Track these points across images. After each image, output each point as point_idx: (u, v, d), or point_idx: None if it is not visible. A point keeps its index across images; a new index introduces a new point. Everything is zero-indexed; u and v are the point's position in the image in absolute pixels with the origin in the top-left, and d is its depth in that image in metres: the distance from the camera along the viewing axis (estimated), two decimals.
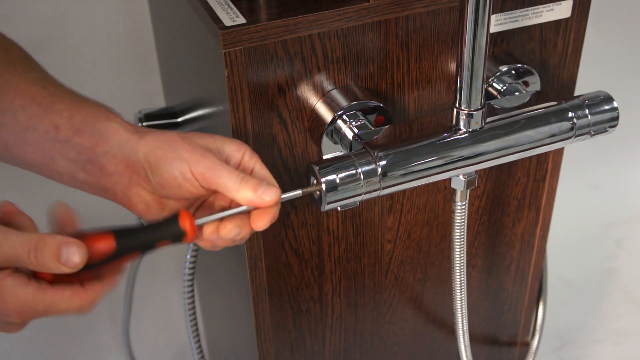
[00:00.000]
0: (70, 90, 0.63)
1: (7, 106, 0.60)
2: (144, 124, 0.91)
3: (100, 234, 0.55)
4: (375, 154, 0.63)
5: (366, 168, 0.61)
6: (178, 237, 0.58)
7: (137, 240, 0.57)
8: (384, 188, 0.63)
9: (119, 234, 0.56)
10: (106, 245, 0.55)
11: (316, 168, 0.61)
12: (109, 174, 0.60)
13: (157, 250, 0.58)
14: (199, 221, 0.59)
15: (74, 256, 0.53)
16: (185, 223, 0.58)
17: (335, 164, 0.61)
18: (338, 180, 0.60)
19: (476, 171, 0.69)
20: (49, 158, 0.60)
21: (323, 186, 0.60)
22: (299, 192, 0.61)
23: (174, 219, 0.58)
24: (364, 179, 0.61)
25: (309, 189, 0.62)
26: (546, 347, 1.46)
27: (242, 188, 0.58)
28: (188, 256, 0.93)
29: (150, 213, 0.62)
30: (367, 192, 0.62)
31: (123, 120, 0.62)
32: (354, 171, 0.61)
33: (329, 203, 0.61)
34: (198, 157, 0.59)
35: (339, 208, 0.62)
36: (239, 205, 0.59)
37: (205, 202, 0.63)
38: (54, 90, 0.62)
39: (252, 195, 0.58)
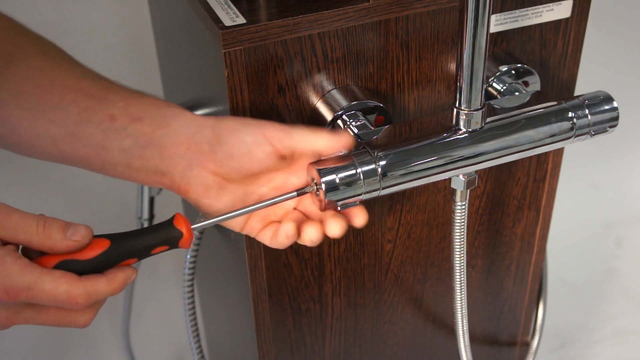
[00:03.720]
0: (121, 84, 0.63)
1: (57, 102, 0.60)
2: None
3: (96, 240, 0.55)
4: (375, 154, 0.63)
5: (366, 168, 0.61)
6: (174, 240, 0.57)
7: (133, 245, 0.56)
8: (384, 188, 0.63)
9: (115, 239, 0.56)
10: (102, 249, 0.55)
11: (315, 168, 0.61)
12: (169, 156, 0.60)
13: (154, 255, 0.58)
14: (195, 225, 0.58)
15: (80, 230, 0.53)
16: (181, 226, 0.57)
17: (335, 164, 0.61)
18: (337, 180, 0.60)
19: (476, 171, 0.69)
20: (102, 149, 0.60)
21: (323, 186, 0.60)
22: (294, 193, 0.61)
23: (169, 222, 0.57)
24: (364, 178, 0.61)
25: (306, 190, 0.62)
26: (546, 347, 1.46)
27: (317, 133, 0.60)
28: (188, 256, 0.93)
29: (209, 196, 0.61)
30: (367, 192, 0.62)
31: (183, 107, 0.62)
32: (353, 171, 0.61)
33: (334, 202, 0.61)
34: (266, 123, 0.60)
35: (339, 208, 0.62)
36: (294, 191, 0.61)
37: (258, 194, 0.63)
38: (105, 83, 0.62)
39: (328, 137, 0.60)
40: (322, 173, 0.60)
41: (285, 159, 0.62)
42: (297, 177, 0.63)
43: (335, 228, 0.62)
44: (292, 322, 0.83)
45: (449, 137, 0.65)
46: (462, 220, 0.74)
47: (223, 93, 0.66)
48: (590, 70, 1.14)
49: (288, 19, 0.64)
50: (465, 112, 0.65)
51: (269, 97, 0.67)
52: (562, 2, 0.74)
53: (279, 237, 0.62)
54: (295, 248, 0.78)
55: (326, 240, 0.78)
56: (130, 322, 1.26)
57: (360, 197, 0.62)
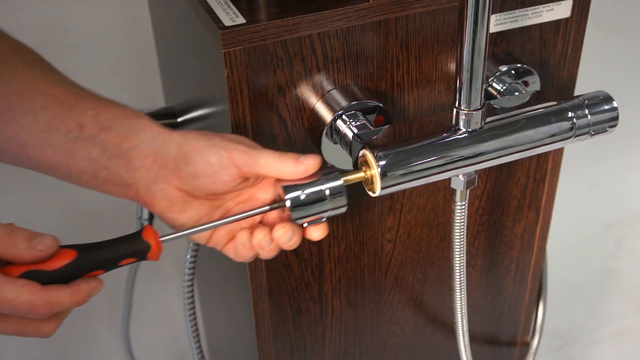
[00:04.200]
0: (93, 92, 0.63)
1: (28, 107, 0.59)
2: None
3: (62, 251, 0.54)
4: (375, 154, 0.63)
5: (333, 184, 0.60)
6: (143, 253, 0.57)
7: (100, 256, 0.56)
8: (382, 188, 0.63)
9: (82, 250, 0.55)
10: (68, 260, 0.54)
11: (281, 185, 0.60)
12: (134, 169, 0.60)
13: (121, 267, 0.57)
14: (163, 237, 0.58)
15: (46, 240, 0.53)
16: (149, 238, 0.57)
17: (301, 181, 0.60)
18: (303, 197, 0.60)
19: (476, 171, 0.69)
20: (69, 157, 0.59)
21: (288, 203, 0.59)
22: (266, 207, 0.61)
23: (137, 234, 0.57)
24: (330, 195, 0.60)
25: (274, 205, 0.61)
26: (546, 347, 1.46)
27: (283, 160, 0.59)
28: (188, 256, 0.93)
29: (173, 210, 0.61)
30: (333, 209, 0.61)
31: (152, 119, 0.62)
32: (319, 188, 0.60)
33: (298, 219, 0.61)
34: (233, 144, 0.60)
35: (304, 224, 0.62)
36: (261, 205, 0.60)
37: (224, 208, 0.63)
38: (77, 90, 0.62)
39: (294, 162, 0.59)
40: (287, 190, 0.60)
41: (250, 180, 0.61)
42: (265, 191, 0.63)
43: (285, 237, 0.61)
44: (292, 322, 0.83)
45: (448, 137, 0.65)
46: (462, 220, 0.74)
47: (223, 93, 0.66)
48: (590, 70, 1.14)
49: (288, 19, 0.64)
50: (465, 112, 0.65)
51: (268, 97, 0.67)
52: (562, 2, 0.74)
53: (237, 248, 0.62)
54: (295, 248, 0.78)
55: (326, 240, 0.78)
56: (130, 322, 1.26)
57: (327, 214, 0.61)
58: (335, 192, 0.61)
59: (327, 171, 0.61)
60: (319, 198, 0.60)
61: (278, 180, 0.61)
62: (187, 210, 0.61)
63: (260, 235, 0.61)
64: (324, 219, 0.62)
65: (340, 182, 0.61)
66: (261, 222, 0.64)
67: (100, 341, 1.46)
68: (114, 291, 1.37)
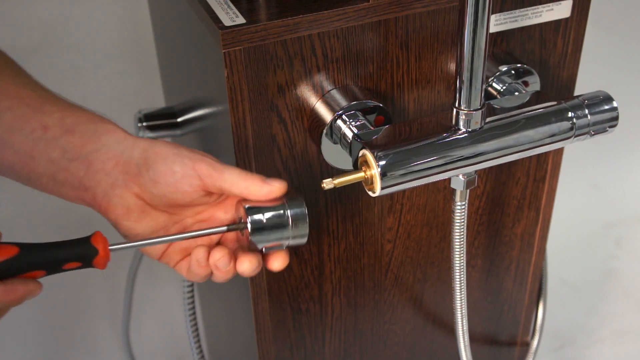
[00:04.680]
0: (60, 96, 0.62)
1: None
2: (144, 124, 0.91)
3: (3, 246, 0.53)
4: (375, 154, 0.63)
5: (295, 211, 0.59)
6: (89, 258, 0.55)
7: (43, 256, 0.54)
8: (382, 188, 0.63)
9: (25, 248, 0.53)
10: (7, 256, 0.52)
11: (244, 205, 0.59)
12: (94, 172, 0.59)
13: (65, 271, 0.55)
14: (114, 246, 0.56)
15: None
16: (98, 244, 0.55)
17: (265, 204, 0.59)
18: (264, 221, 0.59)
19: (476, 171, 0.69)
20: (29, 158, 0.59)
21: (249, 226, 0.58)
22: (224, 228, 0.60)
23: (86, 239, 0.55)
24: (292, 222, 0.59)
25: (233, 226, 0.60)
26: (546, 347, 1.46)
27: (249, 178, 0.58)
28: None
29: (129, 218, 0.60)
30: (295, 237, 0.60)
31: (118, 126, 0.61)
32: (281, 211, 0.59)
33: (258, 243, 0.59)
34: (200, 155, 0.59)
35: (263, 250, 0.60)
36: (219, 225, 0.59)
37: (182, 224, 0.62)
38: (44, 94, 0.61)
39: (260, 182, 0.58)
40: (249, 211, 0.59)
41: (212, 196, 0.60)
42: (225, 211, 0.62)
43: (244, 265, 0.60)
44: (292, 322, 0.83)
45: (448, 137, 0.65)
46: (462, 220, 0.74)
47: (223, 93, 0.66)
48: (590, 70, 1.14)
49: (288, 19, 0.64)
50: (465, 112, 0.65)
51: (268, 97, 0.67)
52: (561, 2, 0.74)
53: (191, 265, 0.60)
54: (295, 248, 0.78)
55: (326, 240, 0.78)
56: (130, 322, 1.26)
57: (287, 242, 0.60)
58: (297, 218, 0.59)
59: (292, 197, 0.60)
60: (281, 223, 0.59)
61: (240, 202, 0.60)
62: (143, 220, 0.60)
63: (218, 255, 0.59)
64: (284, 247, 0.61)
65: (303, 209, 0.59)
66: (218, 244, 0.63)
67: (100, 341, 1.46)
68: (114, 291, 1.38)
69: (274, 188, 0.58)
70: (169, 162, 0.58)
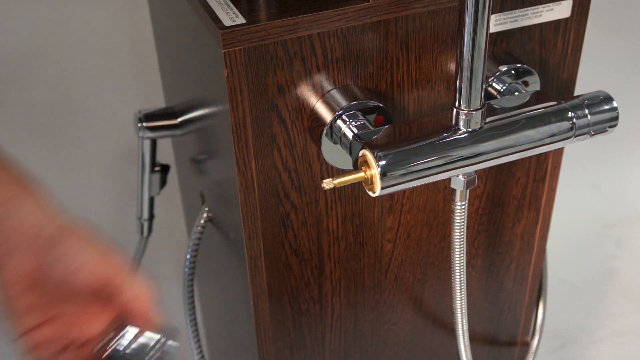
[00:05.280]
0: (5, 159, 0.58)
1: None
2: (144, 124, 0.91)
3: None
4: (375, 154, 0.63)
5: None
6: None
7: None
8: (382, 188, 0.63)
9: None
10: None
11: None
12: None
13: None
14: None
15: None
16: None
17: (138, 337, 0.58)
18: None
19: (476, 171, 0.69)
20: None
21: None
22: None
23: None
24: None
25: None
26: (546, 347, 1.46)
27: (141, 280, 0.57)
28: (188, 256, 0.93)
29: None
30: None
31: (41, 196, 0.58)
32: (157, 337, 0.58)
33: None
34: (106, 248, 0.57)
35: None
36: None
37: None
38: None
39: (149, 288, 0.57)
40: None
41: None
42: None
43: None
44: (292, 322, 0.83)
45: (448, 137, 0.65)
46: (462, 220, 0.74)
47: (223, 93, 0.66)
48: (590, 70, 1.14)
49: (288, 19, 0.64)
50: (465, 112, 0.65)
51: (268, 97, 0.67)
52: (561, 2, 0.74)
53: None
54: (295, 248, 0.78)
55: (326, 240, 0.78)
56: None
57: None
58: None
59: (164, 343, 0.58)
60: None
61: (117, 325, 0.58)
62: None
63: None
64: None
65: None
66: None
67: None
68: None
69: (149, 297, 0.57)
70: (76, 240, 0.56)
